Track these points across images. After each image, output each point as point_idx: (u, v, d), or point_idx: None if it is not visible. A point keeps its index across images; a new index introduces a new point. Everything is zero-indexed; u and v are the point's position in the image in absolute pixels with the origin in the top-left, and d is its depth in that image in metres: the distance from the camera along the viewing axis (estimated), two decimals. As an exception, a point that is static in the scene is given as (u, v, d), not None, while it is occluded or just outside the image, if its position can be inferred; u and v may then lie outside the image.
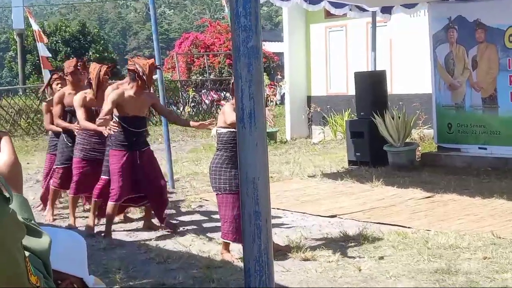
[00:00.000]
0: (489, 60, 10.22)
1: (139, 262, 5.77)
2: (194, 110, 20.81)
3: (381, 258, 5.52)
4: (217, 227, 6.62)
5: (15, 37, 31.49)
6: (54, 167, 7.65)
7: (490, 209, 7.28)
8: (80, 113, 6.96)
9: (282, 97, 21.35)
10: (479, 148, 10.42)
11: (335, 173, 10.22)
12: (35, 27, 19.41)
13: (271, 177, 9.11)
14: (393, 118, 10.49)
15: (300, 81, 15.52)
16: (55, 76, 8.17)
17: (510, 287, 4.71)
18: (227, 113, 5.54)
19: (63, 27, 34.40)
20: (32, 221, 1.44)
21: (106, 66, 7.28)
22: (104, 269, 5.47)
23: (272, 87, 20.18)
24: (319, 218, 7.27)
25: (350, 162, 11.00)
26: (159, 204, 6.77)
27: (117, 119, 6.52)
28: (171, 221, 7.15)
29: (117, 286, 5.08)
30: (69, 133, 7.43)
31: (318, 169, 10.63)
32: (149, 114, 7.45)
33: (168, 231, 6.82)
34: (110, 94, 6.62)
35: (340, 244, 6.04)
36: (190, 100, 20.93)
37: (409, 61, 13.14)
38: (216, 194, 5.75)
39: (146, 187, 6.69)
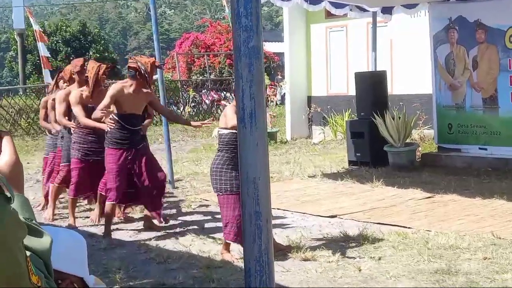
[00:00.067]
0: (490, 60, 10.21)
1: (139, 262, 5.76)
2: (195, 110, 20.82)
3: (381, 258, 5.51)
4: (217, 227, 6.62)
5: (15, 37, 31.49)
6: (61, 164, 7.53)
7: (490, 210, 7.28)
8: (78, 111, 6.96)
9: (283, 97, 21.34)
10: (480, 148, 10.42)
11: (335, 173, 10.22)
12: (35, 27, 19.42)
13: (271, 177, 9.10)
14: (393, 119, 10.48)
15: (301, 81, 15.50)
16: (61, 74, 8.11)
17: (510, 288, 4.71)
18: (229, 116, 5.52)
19: (64, 27, 34.41)
20: (33, 221, 1.44)
21: (105, 66, 7.28)
22: (104, 269, 5.47)
23: (272, 87, 20.19)
24: (319, 218, 7.26)
25: (350, 162, 10.99)
26: (158, 191, 6.76)
27: (114, 117, 6.54)
28: (167, 218, 7.20)
29: (117, 286, 5.07)
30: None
31: (318, 169, 10.62)
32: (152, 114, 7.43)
33: (167, 232, 6.83)
34: (109, 89, 6.66)
35: (340, 244, 6.04)
36: (191, 100, 20.94)
37: (409, 61, 13.13)
38: (217, 195, 5.74)
39: (145, 179, 6.67)
